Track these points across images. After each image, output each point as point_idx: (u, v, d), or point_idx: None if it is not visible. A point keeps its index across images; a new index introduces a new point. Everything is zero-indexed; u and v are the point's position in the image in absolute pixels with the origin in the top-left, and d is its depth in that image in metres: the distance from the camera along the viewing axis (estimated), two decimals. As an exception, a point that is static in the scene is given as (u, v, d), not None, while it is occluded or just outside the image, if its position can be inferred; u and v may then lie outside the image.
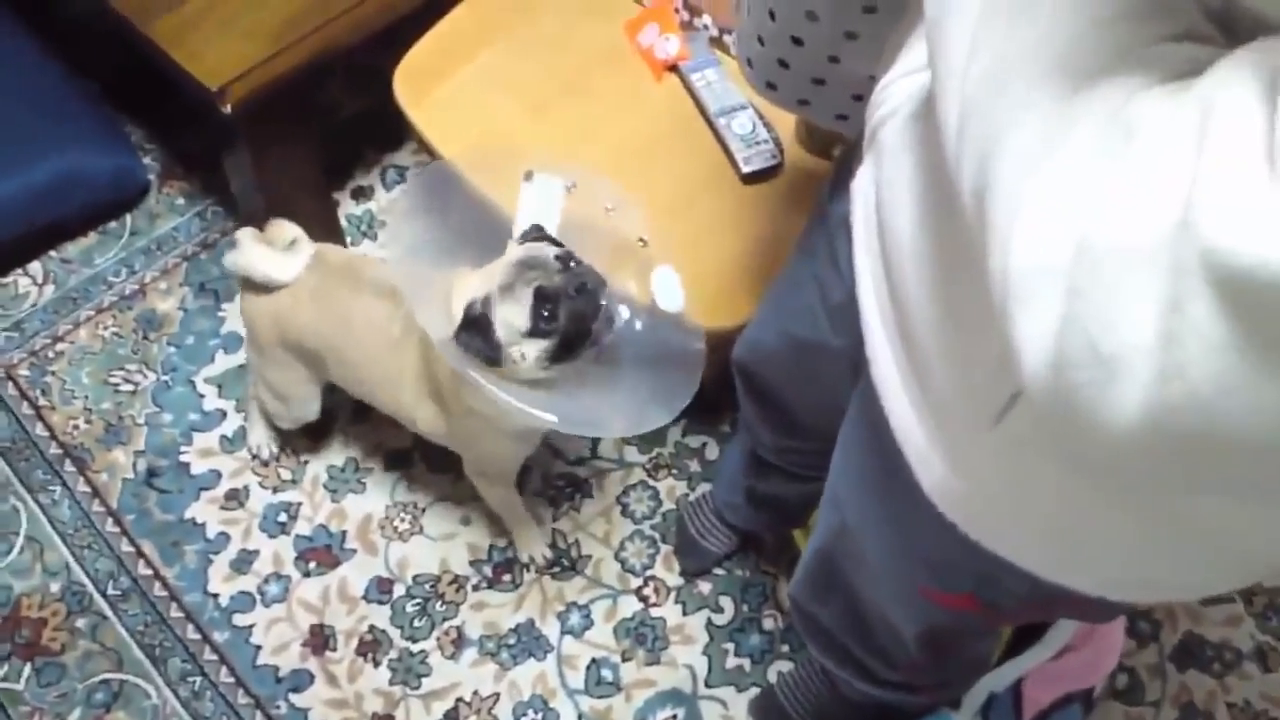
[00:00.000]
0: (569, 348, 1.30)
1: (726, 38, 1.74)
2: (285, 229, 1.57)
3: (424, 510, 1.78)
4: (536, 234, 1.37)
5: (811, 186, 1.64)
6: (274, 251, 1.55)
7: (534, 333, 1.28)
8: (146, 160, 2.12)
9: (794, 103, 1.08)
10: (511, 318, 1.28)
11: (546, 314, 1.26)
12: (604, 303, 1.30)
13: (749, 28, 1.02)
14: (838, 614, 1.15)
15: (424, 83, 1.72)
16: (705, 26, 1.75)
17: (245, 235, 1.55)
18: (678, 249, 1.55)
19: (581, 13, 1.80)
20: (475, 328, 1.27)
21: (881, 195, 0.79)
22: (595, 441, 1.84)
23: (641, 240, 1.47)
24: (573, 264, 1.30)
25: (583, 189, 1.48)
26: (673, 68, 1.73)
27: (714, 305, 1.54)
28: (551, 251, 1.32)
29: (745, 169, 1.62)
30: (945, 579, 0.87)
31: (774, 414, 1.32)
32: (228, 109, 1.60)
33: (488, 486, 1.66)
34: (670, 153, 1.66)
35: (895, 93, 0.82)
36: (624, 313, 1.43)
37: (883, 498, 0.89)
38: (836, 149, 1.62)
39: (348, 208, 2.07)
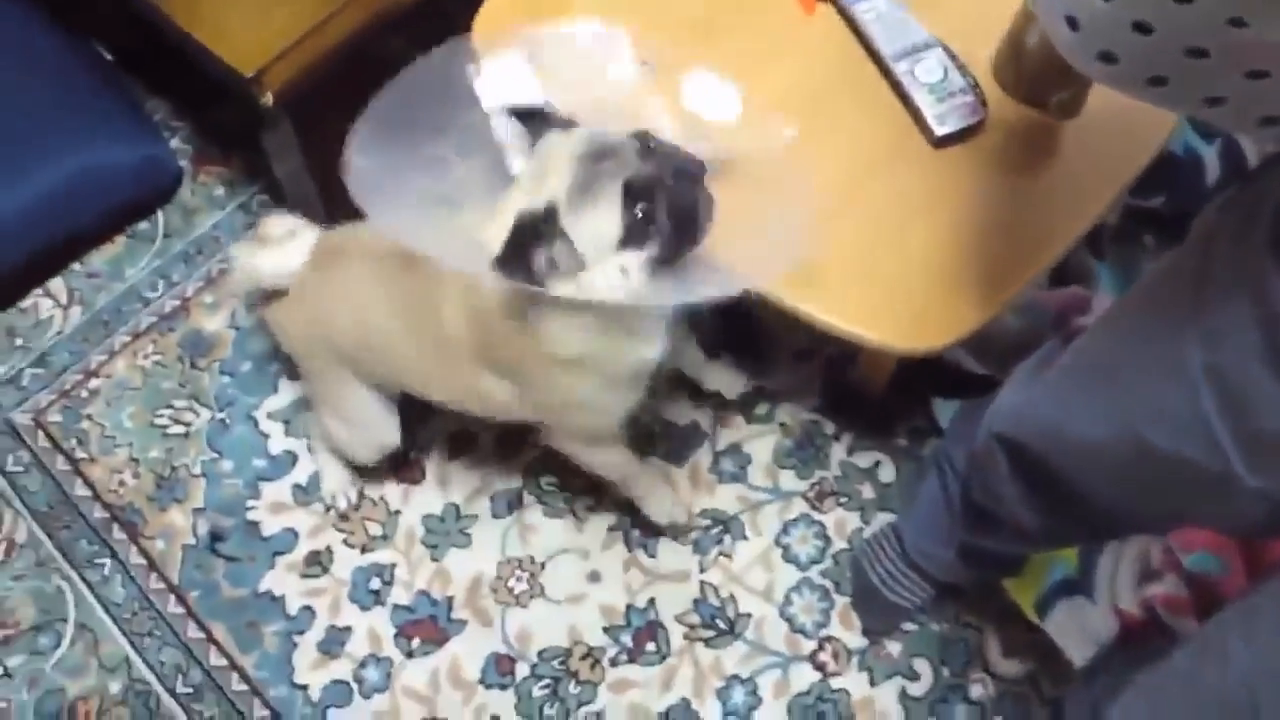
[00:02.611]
0: (676, 251, 0.98)
1: (895, -48, 1.34)
2: (277, 223, 1.33)
3: (543, 566, 1.47)
4: (553, 120, 1.04)
5: (1023, 146, 1.26)
6: (274, 250, 1.30)
7: (629, 241, 0.96)
8: (175, 142, 1.78)
9: (1140, 82, 0.70)
10: (598, 226, 0.96)
11: (642, 214, 0.95)
12: (708, 188, 0.98)
13: None
14: None
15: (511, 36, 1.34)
16: (866, -61, 1.35)
17: (238, 250, 1.34)
18: (849, 249, 1.19)
19: (703, -68, 1.40)
20: (523, 247, 0.95)
21: None
22: (743, 464, 1.51)
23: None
24: (654, 144, 0.98)
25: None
26: (827, -3, 1.34)
27: (906, 321, 1.18)
28: (623, 132, 0.99)
29: (939, 130, 1.24)
30: None
31: (1052, 502, 0.99)
32: (268, 99, 1.25)
33: (592, 453, 1.33)
34: (832, 114, 1.28)
35: None
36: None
37: None
38: (1061, 94, 1.23)
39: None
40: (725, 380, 1.50)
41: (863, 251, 1.20)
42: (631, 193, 0.95)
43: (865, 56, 1.30)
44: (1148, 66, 0.68)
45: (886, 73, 1.28)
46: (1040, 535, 1.09)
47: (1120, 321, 0.89)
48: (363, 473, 1.50)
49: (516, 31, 1.20)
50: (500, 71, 1.10)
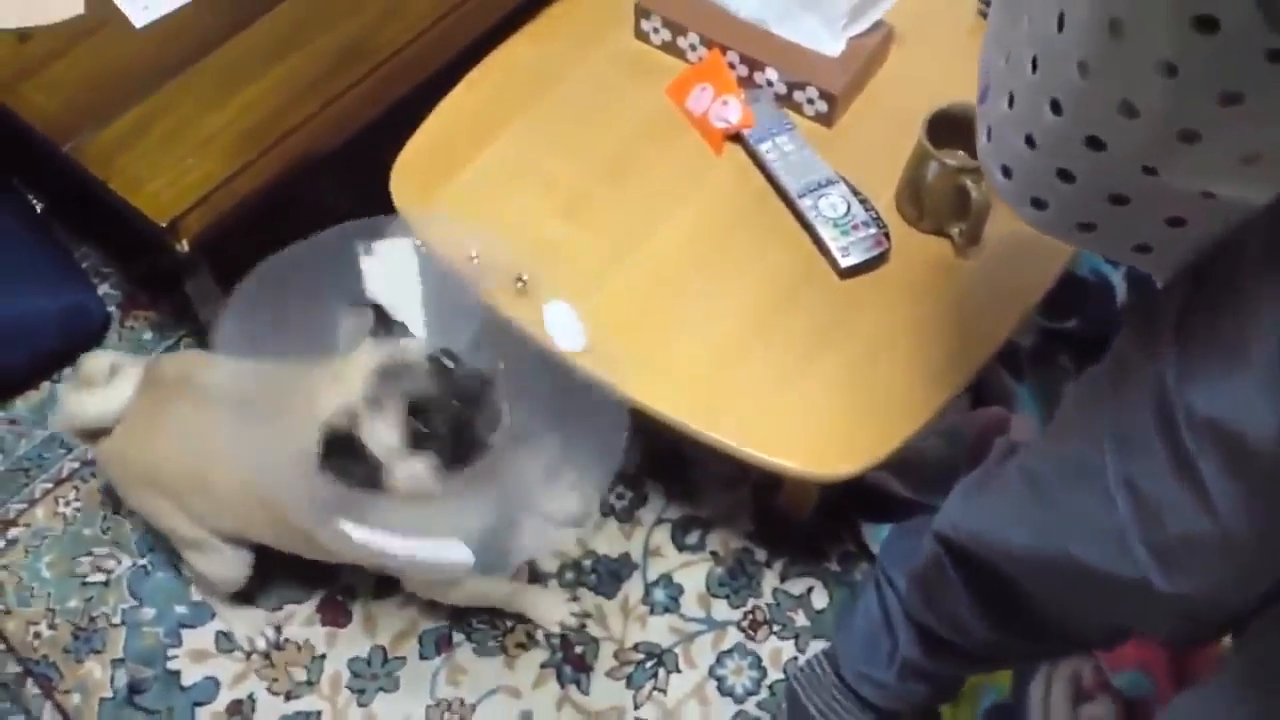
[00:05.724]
0: (459, 459, 1.06)
1: (798, 94, 1.39)
2: (98, 360, 1.32)
3: (474, 707, 1.43)
4: (386, 327, 1.10)
5: (928, 274, 1.30)
6: (98, 389, 1.30)
7: (414, 446, 1.05)
8: (105, 288, 1.79)
9: (1070, 227, 0.75)
10: (383, 436, 1.04)
11: (423, 426, 1.04)
12: (497, 404, 1.07)
13: (1012, 121, 0.70)
14: None
15: (428, 183, 1.38)
16: (770, 83, 1.40)
17: (62, 391, 1.35)
18: (760, 378, 1.21)
19: (613, 79, 1.46)
20: (343, 451, 1.04)
21: None
22: (675, 595, 1.50)
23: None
24: (449, 363, 1.07)
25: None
26: (735, 137, 1.38)
27: (818, 448, 1.19)
28: (419, 350, 1.07)
29: (844, 262, 1.28)
30: None
31: (1003, 612, 1.01)
32: (184, 246, 1.26)
33: (447, 592, 1.40)
34: (741, 248, 1.32)
35: None
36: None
37: None
38: (960, 224, 1.27)
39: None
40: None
41: (774, 380, 1.22)
42: (413, 410, 1.03)
43: (772, 192, 1.35)
44: (1075, 213, 0.72)
45: (792, 208, 1.32)
46: (986, 651, 1.09)
47: (1049, 436, 0.93)
48: (287, 615, 1.47)
49: (421, 218, 1.25)
50: (387, 258, 1.14)
